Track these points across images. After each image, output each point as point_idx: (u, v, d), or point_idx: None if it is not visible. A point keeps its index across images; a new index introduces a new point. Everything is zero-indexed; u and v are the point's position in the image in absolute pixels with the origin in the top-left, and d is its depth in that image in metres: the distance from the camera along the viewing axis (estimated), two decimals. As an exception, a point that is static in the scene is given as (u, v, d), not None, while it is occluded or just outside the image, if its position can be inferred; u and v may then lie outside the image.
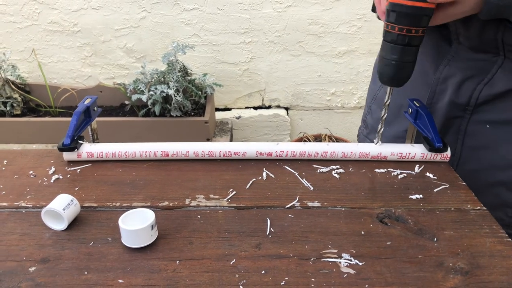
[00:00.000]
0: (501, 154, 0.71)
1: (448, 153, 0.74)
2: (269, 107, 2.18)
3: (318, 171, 0.72)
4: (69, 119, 0.74)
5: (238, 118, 2.13)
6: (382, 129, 0.74)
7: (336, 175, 0.71)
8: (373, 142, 0.76)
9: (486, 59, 0.69)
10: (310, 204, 0.64)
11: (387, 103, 0.71)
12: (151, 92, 1.73)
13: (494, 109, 0.70)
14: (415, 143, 0.78)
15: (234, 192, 0.66)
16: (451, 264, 0.52)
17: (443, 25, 0.67)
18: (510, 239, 0.56)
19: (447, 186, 0.68)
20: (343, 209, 0.63)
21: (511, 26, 0.61)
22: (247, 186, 0.68)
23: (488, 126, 0.71)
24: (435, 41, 0.76)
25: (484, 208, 0.63)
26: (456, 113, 0.74)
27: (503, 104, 0.69)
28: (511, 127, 0.69)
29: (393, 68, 0.63)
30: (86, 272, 0.51)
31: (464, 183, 0.69)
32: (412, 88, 0.81)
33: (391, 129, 0.87)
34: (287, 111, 2.17)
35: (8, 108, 1.85)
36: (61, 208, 0.57)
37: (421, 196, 0.65)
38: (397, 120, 0.86)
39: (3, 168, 0.73)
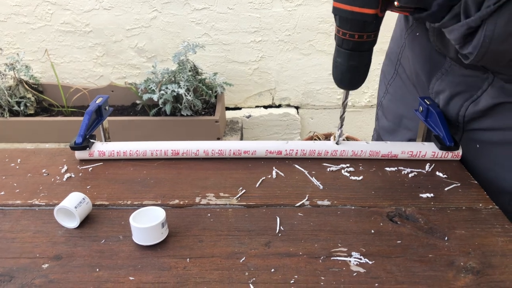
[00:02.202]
0: (489, 180, 0.69)
1: (459, 151, 0.73)
2: (279, 106, 2.18)
3: (328, 169, 0.72)
4: (81, 118, 0.75)
5: (248, 117, 2.13)
6: (342, 128, 0.72)
7: (346, 173, 0.71)
8: None
9: (476, 75, 0.66)
10: (319, 202, 0.64)
11: (345, 103, 0.70)
12: (162, 92, 1.74)
13: (481, 128, 0.69)
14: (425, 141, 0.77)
15: (244, 190, 0.67)
16: (462, 263, 0.52)
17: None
18: (522, 239, 0.56)
19: (459, 184, 0.67)
20: (353, 207, 0.63)
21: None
22: (257, 185, 0.68)
23: (478, 145, 0.70)
24: (429, 53, 0.72)
25: (497, 207, 0.62)
26: (450, 128, 0.73)
27: (490, 121, 0.66)
28: (499, 149, 0.66)
29: (340, 71, 0.61)
30: (97, 269, 0.51)
31: (476, 182, 0.68)
32: (412, 100, 0.80)
33: (394, 138, 0.86)
34: (297, 110, 2.17)
35: (21, 108, 1.87)
36: (73, 206, 0.58)
37: (432, 194, 0.65)
38: (399, 130, 0.84)
39: (17, 167, 0.74)
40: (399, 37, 0.80)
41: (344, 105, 0.70)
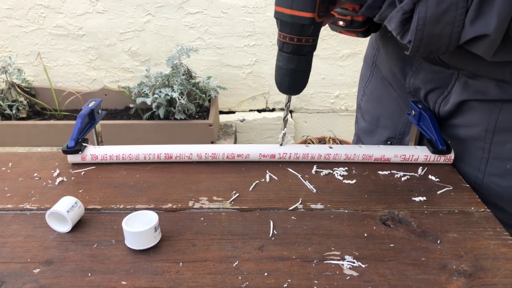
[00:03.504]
0: (462, 173, 0.71)
1: (451, 155, 0.73)
2: (273, 110, 2.18)
3: (321, 173, 0.72)
4: (74, 122, 0.74)
5: (242, 121, 2.13)
6: (285, 130, 0.74)
7: (339, 177, 0.71)
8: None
9: (443, 71, 0.68)
10: (313, 206, 0.64)
11: (288, 105, 0.71)
12: (156, 95, 1.74)
13: (453, 124, 0.71)
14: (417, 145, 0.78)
15: (237, 194, 0.67)
16: (454, 267, 0.52)
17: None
18: (514, 242, 0.56)
19: (451, 188, 0.68)
20: (346, 211, 0.63)
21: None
22: (250, 188, 0.68)
23: (449, 141, 0.72)
24: (401, 52, 0.74)
25: (488, 210, 0.63)
26: None
27: (459, 118, 0.68)
28: (467, 149, 0.69)
29: (280, 75, 0.62)
30: (89, 274, 0.51)
31: (468, 185, 0.68)
32: (389, 100, 0.81)
33: (372, 139, 0.86)
34: (291, 113, 2.18)
35: (13, 112, 1.86)
36: (65, 210, 0.57)
37: (424, 198, 0.65)
38: (377, 130, 0.85)
39: (8, 171, 0.73)
40: (374, 41, 0.82)
41: (287, 107, 0.72)
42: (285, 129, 0.74)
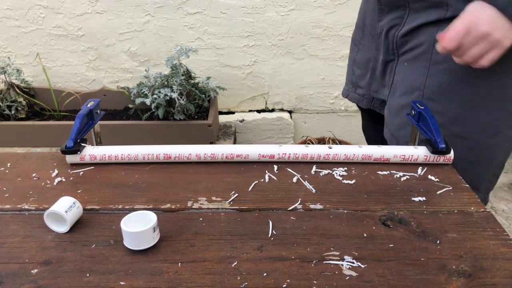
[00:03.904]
0: (408, 83, 0.84)
1: (451, 155, 0.73)
2: (272, 110, 2.18)
3: (321, 173, 0.72)
4: (73, 122, 0.74)
5: (241, 121, 2.13)
6: None
7: (338, 177, 0.71)
8: (358, 94, 1.00)
9: (399, 6, 0.83)
10: (312, 206, 0.64)
11: None
12: (155, 96, 1.74)
13: (407, 50, 0.84)
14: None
15: (236, 194, 0.66)
16: (454, 267, 0.52)
17: None
18: (514, 242, 0.56)
19: (450, 188, 0.68)
20: (345, 211, 0.63)
21: None
22: (250, 189, 0.68)
23: (406, 63, 0.85)
24: (374, 4, 0.89)
25: (488, 210, 0.62)
26: (391, 57, 0.89)
27: (410, 44, 0.83)
28: (415, 63, 0.83)
29: None
30: (88, 275, 0.51)
31: (468, 186, 0.68)
32: (368, 42, 0.94)
33: (363, 80, 0.98)
34: (290, 114, 2.17)
35: (12, 112, 1.86)
36: (63, 211, 0.57)
37: (424, 198, 0.65)
38: (367, 74, 0.96)
39: (7, 171, 0.73)
40: (363, 6, 0.97)
41: None
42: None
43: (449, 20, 0.74)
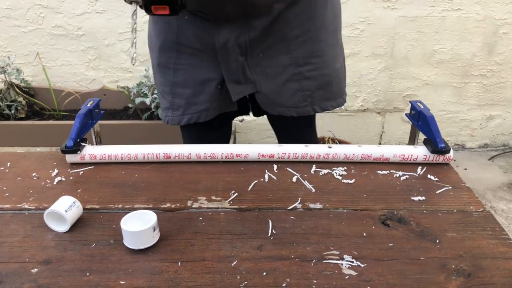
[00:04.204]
0: (277, 64, 0.85)
1: (450, 155, 0.73)
2: (272, 110, 2.18)
3: (320, 173, 0.72)
4: (73, 122, 0.74)
5: (241, 121, 2.13)
6: (135, 49, 0.71)
7: (338, 177, 0.71)
8: (193, 112, 0.90)
9: (239, 22, 0.81)
10: (312, 206, 0.64)
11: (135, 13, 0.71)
12: (155, 95, 1.74)
13: (259, 45, 0.84)
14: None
15: (236, 194, 0.66)
16: (453, 266, 0.52)
17: None
18: (513, 241, 0.56)
19: (450, 188, 0.68)
20: (345, 211, 0.63)
21: None
22: (249, 188, 0.68)
23: (261, 55, 0.85)
24: (201, 21, 0.84)
25: (487, 210, 0.62)
26: (241, 59, 0.84)
27: (262, 40, 0.84)
28: (274, 48, 0.85)
29: None
30: (88, 274, 0.51)
31: (468, 185, 0.68)
32: (194, 60, 0.88)
33: (201, 98, 0.90)
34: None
35: (12, 112, 1.86)
36: (63, 210, 0.57)
37: (423, 198, 0.65)
38: (207, 86, 0.89)
39: (7, 171, 0.73)
40: (168, 28, 0.88)
41: (133, 14, 0.71)
42: (135, 48, 0.70)
43: None
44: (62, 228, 0.58)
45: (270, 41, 0.84)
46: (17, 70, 1.86)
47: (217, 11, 0.79)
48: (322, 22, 0.87)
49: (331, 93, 0.91)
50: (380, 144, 2.09)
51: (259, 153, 0.74)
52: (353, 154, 0.74)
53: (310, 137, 1.05)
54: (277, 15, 0.82)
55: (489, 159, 2.12)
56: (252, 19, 0.81)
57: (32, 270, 0.51)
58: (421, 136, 0.77)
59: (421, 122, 0.76)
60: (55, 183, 0.69)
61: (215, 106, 0.90)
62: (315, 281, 0.50)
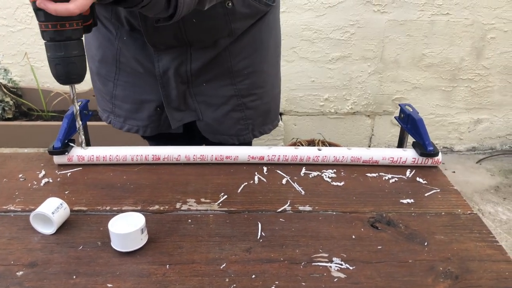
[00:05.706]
0: (220, 95, 0.85)
1: (439, 157, 0.74)
2: (262, 112, 2.18)
3: (310, 175, 0.72)
4: (61, 123, 0.73)
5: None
6: (82, 137, 0.74)
7: (327, 179, 0.71)
8: (134, 125, 0.91)
9: (179, 46, 0.80)
10: (301, 208, 0.64)
11: (74, 98, 0.70)
12: (144, 97, 1.73)
13: (202, 75, 0.84)
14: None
15: (226, 196, 0.66)
16: (441, 268, 0.52)
17: None
18: (499, 244, 0.57)
19: (438, 190, 0.68)
20: (334, 213, 0.63)
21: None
22: (239, 190, 0.68)
23: (204, 84, 0.84)
24: (143, 45, 0.82)
25: (475, 212, 0.63)
26: (182, 88, 0.84)
27: (205, 71, 0.84)
28: (217, 80, 0.85)
29: (53, 66, 0.61)
30: (74, 277, 0.50)
31: (456, 188, 0.69)
32: (134, 79, 0.86)
33: (141, 114, 0.90)
34: (280, 116, 2.18)
35: (-1, 112, 1.83)
36: (50, 212, 0.56)
37: (412, 200, 0.66)
38: (144, 106, 0.89)
39: (-8, 172, 0.72)
40: (109, 44, 0.85)
41: (74, 100, 0.70)
42: (83, 136, 0.73)
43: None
44: (48, 230, 0.57)
45: (214, 72, 0.84)
46: (5, 70, 1.84)
47: (156, 40, 0.77)
48: (266, 54, 0.87)
49: (269, 118, 0.94)
50: (369, 146, 2.10)
51: (249, 155, 0.74)
52: (343, 156, 0.74)
53: None
54: (223, 49, 0.81)
55: (476, 162, 2.14)
56: (195, 50, 0.80)
57: (18, 273, 0.51)
58: (410, 139, 0.78)
59: (410, 125, 0.77)
60: (42, 184, 0.68)
61: (155, 125, 0.90)
62: (304, 284, 0.50)
